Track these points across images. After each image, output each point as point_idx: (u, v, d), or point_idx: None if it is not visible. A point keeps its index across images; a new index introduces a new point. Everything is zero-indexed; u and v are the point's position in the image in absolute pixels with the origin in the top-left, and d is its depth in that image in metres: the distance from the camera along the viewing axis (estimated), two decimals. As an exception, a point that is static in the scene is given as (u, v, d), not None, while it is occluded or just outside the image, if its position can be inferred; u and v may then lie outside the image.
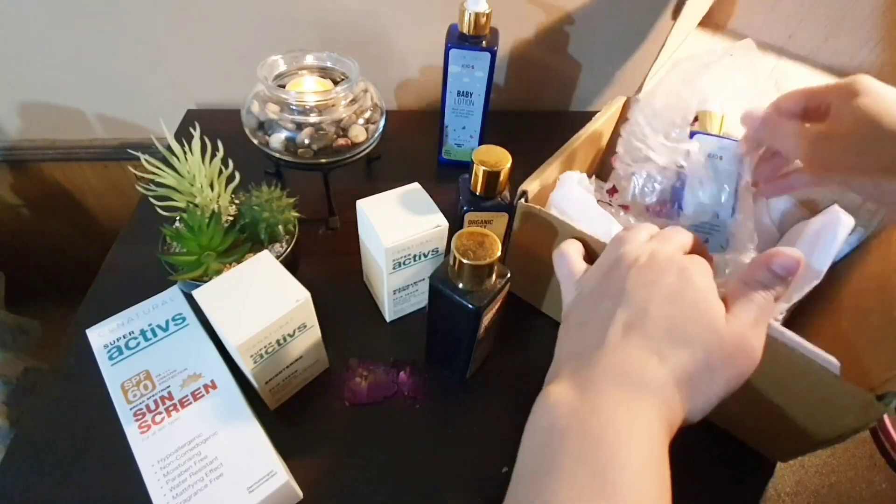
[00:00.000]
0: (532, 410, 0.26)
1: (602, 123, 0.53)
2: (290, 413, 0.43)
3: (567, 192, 0.45)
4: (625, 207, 0.50)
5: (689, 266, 0.27)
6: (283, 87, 0.51)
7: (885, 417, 0.45)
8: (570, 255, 0.34)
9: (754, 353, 0.25)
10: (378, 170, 0.66)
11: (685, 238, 0.30)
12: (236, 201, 0.49)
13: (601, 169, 0.60)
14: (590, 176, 0.53)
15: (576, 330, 0.28)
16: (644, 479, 0.21)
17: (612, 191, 0.52)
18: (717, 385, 0.25)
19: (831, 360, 0.33)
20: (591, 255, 0.36)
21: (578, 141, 0.49)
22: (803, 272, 0.43)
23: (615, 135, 0.57)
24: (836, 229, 0.42)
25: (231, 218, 0.48)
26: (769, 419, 0.38)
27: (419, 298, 0.49)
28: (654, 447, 0.22)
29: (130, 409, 0.36)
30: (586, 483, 0.21)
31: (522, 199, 0.43)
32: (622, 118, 0.56)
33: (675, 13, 0.50)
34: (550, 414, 0.24)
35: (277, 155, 0.50)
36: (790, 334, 0.34)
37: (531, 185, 0.43)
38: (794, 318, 0.45)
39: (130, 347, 0.40)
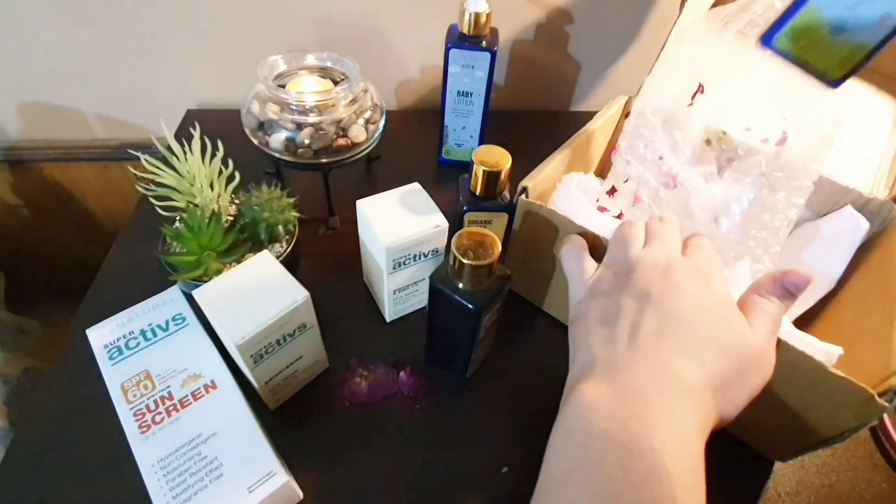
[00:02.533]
0: (563, 410, 0.26)
1: (604, 122, 0.53)
2: (290, 413, 0.43)
3: (565, 194, 0.45)
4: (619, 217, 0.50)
5: (710, 274, 0.28)
6: (283, 87, 0.51)
7: (886, 418, 0.45)
8: (578, 251, 0.34)
9: (772, 362, 0.27)
10: (378, 170, 0.66)
11: (676, 232, 0.31)
12: (236, 201, 0.49)
13: (603, 168, 0.60)
14: (596, 174, 0.53)
15: (600, 329, 0.28)
16: (684, 490, 0.21)
17: (612, 191, 0.52)
18: (745, 392, 0.26)
19: (834, 349, 0.33)
20: (594, 251, 0.36)
21: (580, 138, 0.49)
22: (818, 279, 0.43)
23: (617, 134, 0.57)
24: (853, 235, 0.42)
25: (231, 218, 0.48)
26: (769, 418, 0.38)
27: (419, 298, 0.49)
28: (693, 457, 0.23)
29: (130, 409, 0.36)
30: (626, 490, 0.21)
31: (523, 196, 0.43)
32: (624, 117, 0.56)
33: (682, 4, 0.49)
34: (588, 416, 0.24)
35: (277, 155, 0.50)
36: (795, 331, 0.34)
37: (532, 182, 0.43)
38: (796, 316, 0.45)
39: (130, 347, 0.40)
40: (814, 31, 0.25)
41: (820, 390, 0.33)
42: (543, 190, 0.46)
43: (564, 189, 0.46)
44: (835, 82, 0.26)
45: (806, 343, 0.33)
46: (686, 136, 0.46)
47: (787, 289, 0.27)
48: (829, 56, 0.25)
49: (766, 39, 0.28)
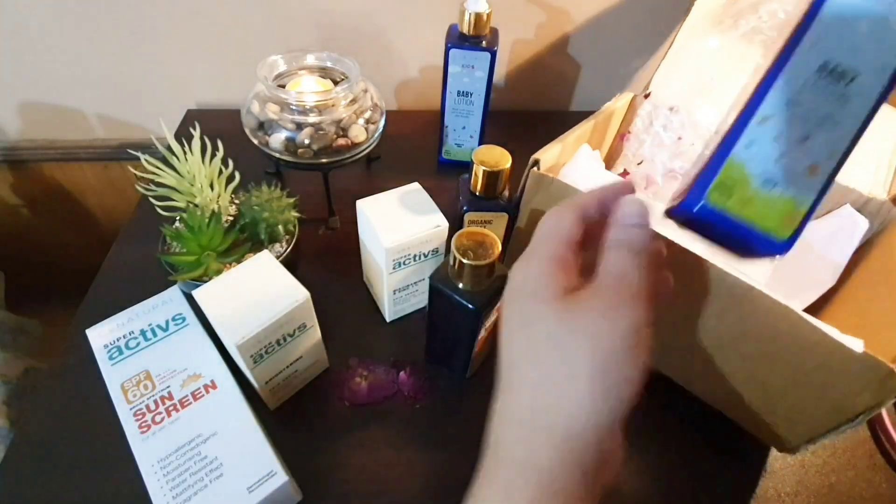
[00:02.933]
0: None
1: (613, 113, 0.53)
2: (290, 413, 0.43)
3: (576, 163, 0.45)
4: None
5: (525, 255, 0.24)
6: (283, 87, 0.51)
7: (886, 418, 0.45)
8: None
9: (631, 298, 0.21)
10: (378, 170, 0.66)
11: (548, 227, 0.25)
12: (236, 201, 0.49)
13: (610, 159, 0.59)
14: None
15: None
16: None
17: (623, 174, 0.52)
18: (604, 353, 0.20)
19: (856, 342, 0.32)
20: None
21: (591, 122, 0.49)
22: (819, 276, 0.43)
23: (624, 127, 0.57)
24: (852, 232, 0.42)
25: (231, 218, 0.48)
26: (782, 403, 0.37)
27: (419, 298, 0.49)
28: None
29: (130, 409, 0.36)
30: None
31: (535, 168, 0.42)
32: (629, 115, 0.56)
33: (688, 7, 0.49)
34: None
35: (277, 155, 0.50)
36: (813, 319, 0.33)
37: (544, 155, 0.42)
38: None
39: (130, 347, 0.40)
40: (744, 186, 0.21)
41: (836, 369, 0.32)
42: (553, 169, 0.45)
43: (576, 160, 0.45)
44: (783, 244, 0.21)
45: (831, 332, 0.32)
46: (707, 115, 0.46)
47: (632, 224, 0.23)
48: (769, 212, 0.21)
49: (691, 202, 0.21)
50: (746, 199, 0.21)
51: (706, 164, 0.22)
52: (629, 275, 0.22)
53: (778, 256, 0.22)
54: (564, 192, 0.41)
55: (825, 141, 0.20)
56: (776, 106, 0.21)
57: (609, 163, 0.58)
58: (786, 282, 0.43)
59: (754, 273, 0.43)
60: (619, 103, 0.53)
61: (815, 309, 0.43)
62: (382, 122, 0.54)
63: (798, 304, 0.43)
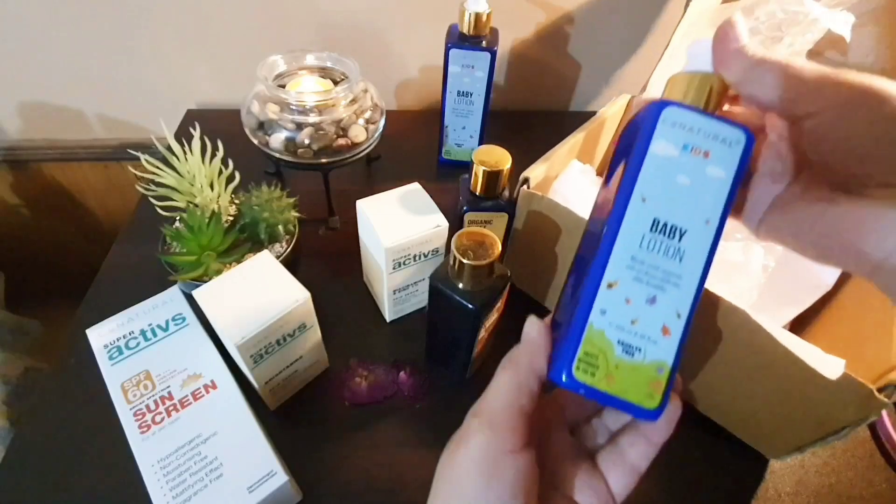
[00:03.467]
0: None
1: (607, 119, 0.53)
2: (290, 413, 0.43)
3: (568, 179, 0.45)
4: None
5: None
6: (283, 87, 0.51)
7: (885, 418, 0.45)
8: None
9: (487, 423, 0.22)
10: (378, 170, 0.66)
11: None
12: (236, 201, 0.49)
13: (604, 167, 0.60)
14: (598, 174, 0.53)
15: None
16: None
17: None
18: (456, 474, 0.22)
19: (837, 362, 0.32)
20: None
21: (583, 133, 0.49)
22: (818, 279, 0.43)
23: (617, 136, 0.57)
24: None
25: (231, 218, 0.48)
26: (768, 412, 0.38)
27: (419, 298, 0.49)
28: None
29: (130, 409, 0.36)
30: None
31: (524, 187, 0.43)
32: (625, 119, 0.56)
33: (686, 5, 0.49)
34: None
35: (277, 155, 0.50)
36: (794, 339, 0.34)
37: (534, 172, 0.43)
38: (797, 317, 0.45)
39: (130, 347, 0.40)
40: (606, 356, 0.20)
41: (819, 386, 0.33)
42: (546, 182, 0.45)
43: (567, 175, 0.45)
44: (653, 413, 0.20)
45: (810, 354, 0.33)
46: None
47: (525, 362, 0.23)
48: (635, 383, 0.20)
49: (557, 372, 0.21)
50: (611, 372, 0.20)
51: (568, 327, 0.21)
52: (490, 399, 0.23)
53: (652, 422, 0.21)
54: (554, 209, 0.41)
55: (670, 300, 0.20)
56: (620, 269, 0.20)
57: (604, 169, 0.58)
58: (784, 286, 0.43)
59: (747, 282, 0.43)
60: (612, 109, 0.53)
61: (812, 311, 0.43)
62: (382, 122, 0.54)
63: (796, 308, 0.43)
